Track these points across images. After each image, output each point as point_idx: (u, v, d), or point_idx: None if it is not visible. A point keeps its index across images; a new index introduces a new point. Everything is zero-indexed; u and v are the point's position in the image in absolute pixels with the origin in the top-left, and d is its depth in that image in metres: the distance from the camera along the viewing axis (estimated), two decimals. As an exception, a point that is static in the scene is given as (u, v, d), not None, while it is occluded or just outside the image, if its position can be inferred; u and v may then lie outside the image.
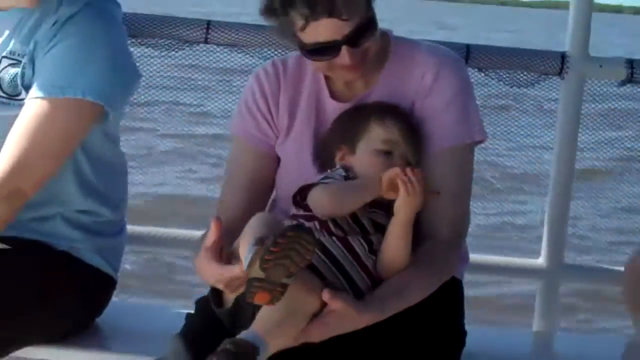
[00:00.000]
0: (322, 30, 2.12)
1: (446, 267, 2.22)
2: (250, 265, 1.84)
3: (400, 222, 2.06)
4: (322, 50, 2.16)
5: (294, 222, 2.10)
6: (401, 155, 2.16)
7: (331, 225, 2.08)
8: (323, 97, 2.33)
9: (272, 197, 2.41)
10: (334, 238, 2.07)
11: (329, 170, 2.20)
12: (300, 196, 2.14)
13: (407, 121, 2.22)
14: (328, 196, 2.09)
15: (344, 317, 1.95)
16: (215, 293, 2.08)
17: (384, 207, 2.10)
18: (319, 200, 2.09)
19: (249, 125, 2.36)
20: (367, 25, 2.17)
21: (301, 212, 2.13)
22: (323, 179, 2.17)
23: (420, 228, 2.16)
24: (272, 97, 2.35)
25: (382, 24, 2.26)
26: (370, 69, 2.27)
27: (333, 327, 1.95)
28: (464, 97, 2.28)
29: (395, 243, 2.06)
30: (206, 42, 3.05)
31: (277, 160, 2.36)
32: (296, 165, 2.32)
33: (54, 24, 2.25)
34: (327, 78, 2.33)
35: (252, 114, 2.37)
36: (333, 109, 2.31)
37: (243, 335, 1.87)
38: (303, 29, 2.13)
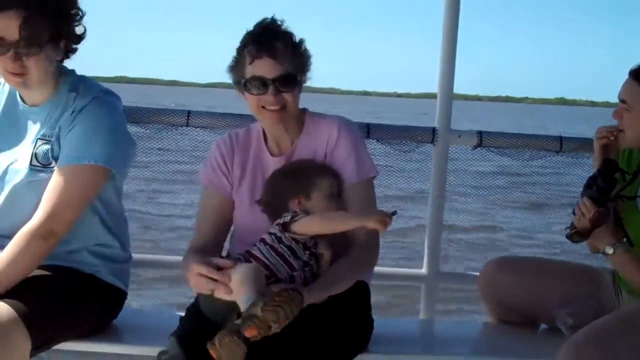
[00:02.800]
0: (262, 66, 2.16)
1: (364, 264, 2.23)
2: (254, 304, 1.83)
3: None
4: (257, 85, 2.18)
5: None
6: (338, 195, 2.20)
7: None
8: (264, 154, 2.34)
9: (232, 230, 2.38)
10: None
11: (286, 213, 2.15)
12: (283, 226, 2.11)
13: (325, 165, 2.25)
14: (319, 220, 2.10)
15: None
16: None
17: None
18: (310, 223, 2.09)
19: (213, 178, 2.35)
20: (292, 78, 2.19)
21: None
22: (293, 216, 2.13)
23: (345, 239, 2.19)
24: (228, 159, 2.35)
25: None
26: (290, 126, 2.28)
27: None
28: (359, 147, 2.29)
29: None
30: (187, 125, 3.02)
31: (232, 202, 2.34)
32: (247, 205, 2.31)
33: (72, 113, 2.26)
34: (265, 141, 2.34)
35: (215, 171, 2.35)
36: (270, 161, 2.32)
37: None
38: (251, 63, 2.16)
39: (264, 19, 2.25)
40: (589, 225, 2.24)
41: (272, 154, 2.34)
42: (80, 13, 2.27)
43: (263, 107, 2.22)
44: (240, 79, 2.22)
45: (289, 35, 2.22)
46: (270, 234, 2.12)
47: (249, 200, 2.31)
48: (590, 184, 2.29)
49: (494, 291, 2.66)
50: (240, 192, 2.34)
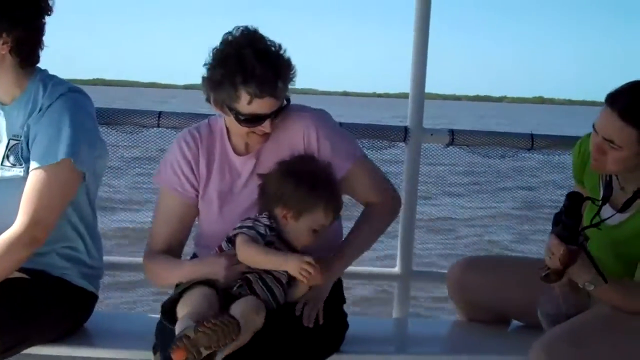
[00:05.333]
0: (263, 105, 2.07)
1: (382, 223, 2.29)
2: (186, 328, 1.78)
3: (299, 293, 2.10)
4: (254, 120, 2.10)
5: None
6: (323, 231, 2.11)
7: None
8: (229, 154, 2.26)
9: (198, 233, 2.32)
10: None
11: (256, 215, 2.12)
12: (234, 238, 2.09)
13: (339, 201, 2.14)
14: (245, 250, 2.04)
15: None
16: (169, 309, 2.03)
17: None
18: (239, 248, 2.05)
19: (174, 182, 2.27)
20: (284, 105, 2.15)
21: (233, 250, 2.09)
22: (250, 224, 2.08)
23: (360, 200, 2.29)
24: (194, 163, 2.26)
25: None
26: None
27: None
28: (339, 134, 2.28)
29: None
30: (158, 126, 2.99)
31: (196, 206, 2.27)
32: (217, 209, 2.24)
33: (39, 111, 2.24)
34: (229, 139, 2.26)
35: (176, 174, 2.26)
36: (237, 161, 2.24)
37: None
38: (249, 102, 2.06)
39: (248, 36, 2.09)
40: (560, 266, 2.11)
41: (237, 153, 2.26)
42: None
43: (253, 132, 2.16)
44: (227, 105, 2.11)
45: (283, 60, 2.09)
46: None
47: (218, 204, 2.24)
48: (557, 221, 2.12)
49: (462, 292, 2.67)
50: (208, 197, 2.26)
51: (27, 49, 2.26)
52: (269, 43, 2.10)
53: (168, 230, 2.27)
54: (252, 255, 2.04)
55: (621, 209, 2.25)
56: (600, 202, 2.28)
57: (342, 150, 2.24)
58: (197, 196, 2.27)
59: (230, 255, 2.07)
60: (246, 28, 2.11)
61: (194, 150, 2.27)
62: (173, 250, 2.24)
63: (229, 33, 2.11)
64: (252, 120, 2.10)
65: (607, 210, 2.29)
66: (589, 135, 2.30)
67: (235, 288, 2.04)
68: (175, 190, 2.27)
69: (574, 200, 2.11)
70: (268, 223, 2.09)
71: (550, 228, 2.14)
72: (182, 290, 2.02)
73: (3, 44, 2.22)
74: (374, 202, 2.29)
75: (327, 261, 2.12)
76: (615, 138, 2.14)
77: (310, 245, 2.11)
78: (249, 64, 2.03)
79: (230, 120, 2.17)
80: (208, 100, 2.15)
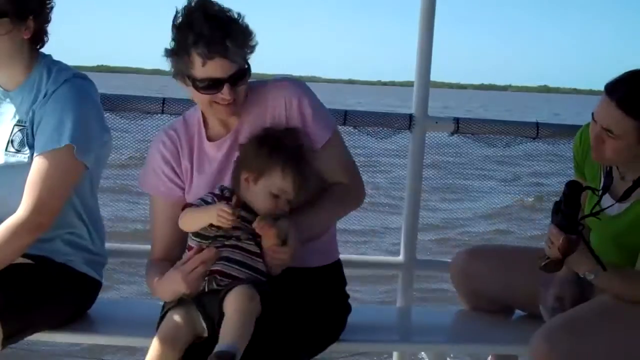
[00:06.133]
0: (215, 67, 2.04)
1: (348, 199, 2.24)
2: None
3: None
4: (211, 85, 2.06)
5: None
6: (287, 199, 2.05)
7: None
8: (203, 143, 2.22)
9: None
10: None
11: (209, 192, 2.09)
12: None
13: (300, 169, 2.06)
14: (181, 218, 2.04)
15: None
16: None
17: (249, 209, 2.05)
18: (179, 220, 2.05)
19: (158, 185, 2.24)
20: (244, 72, 2.09)
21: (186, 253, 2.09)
22: (200, 197, 2.08)
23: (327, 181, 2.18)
24: (174, 162, 2.23)
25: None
26: (239, 107, 2.15)
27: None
28: (319, 104, 2.23)
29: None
30: (162, 112, 2.99)
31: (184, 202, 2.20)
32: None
33: (44, 97, 2.23)
34: (205, 126, 2.22)
35: (159, 177, 2.24)
36: (210, 148, 2.21)
37: (219, 347, 1.83)
38: (203, 65, 2.03)
39: (200, 1, 2.06)
40: (559, 255, 2.11)
41: (212, 139, 2.20)
42: None
43: (215, 102, 2.11)
44: (185, 74, 2.09)
45: (236, 24, 2.07)
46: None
47: (199, 195, 2.17)
48: (557, 210, 2.12)
49: (466, 281, 2.67)
50: (193, 192, 2.22)
51: (42, 34, 2.28)
52: (221, 8, 2.08)
53: (163, 234, 2.25)
54: (184, 221, 2.04)
55: (620, 199, 2.24)
56: (601, 192, 2.27)
57: (322, 120, 2.20)
58: (181, 194, 2.25)
59: (181, 266, 2.03)
60: None
61: (172, 149, 2.24)
62: (172, 253, 2.22)
63: (186, 3, 2.09)
64: (209, 86, 2.06)
65: (607, 200, 2.28)
66: (588, 124, 2.29)
67: (205, 286, 2.02)
68: (161, 192, 2.25)
69: (573, 189, 2.10)
70: (218, 192, 2.06)
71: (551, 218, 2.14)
72: (163, 313, 2.04)
73: (26, 28, 2.22)
74: (343, 183, 2.21)
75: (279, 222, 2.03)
76: (613, 127, 2.14)
77: (271, 210, 2.04)
78: (197, 26, 2.03)
79: (194, 93, 2.13)
80: (174, 75, 2.14)
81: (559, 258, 2.11)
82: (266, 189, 2.04)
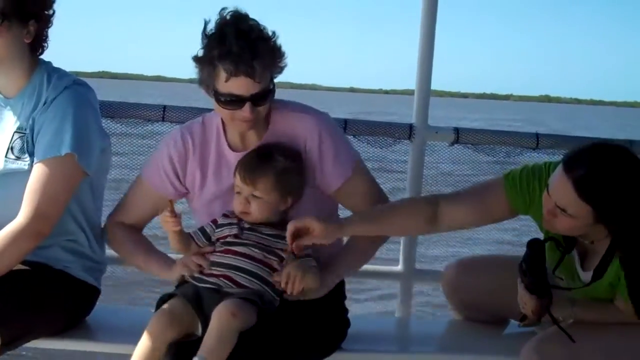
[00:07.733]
0: (239, 85, 2.04)
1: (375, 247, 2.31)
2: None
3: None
4: (232, 101, 2.07)
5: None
6: (247, 194, 2.11)
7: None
8: (225, 151, 2.23)
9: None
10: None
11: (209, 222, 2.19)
12: None
13: (252, 167, 2.12)
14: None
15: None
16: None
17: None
18: None
19: (154, 176, 2.30)
20: (268, 93, 2.10)
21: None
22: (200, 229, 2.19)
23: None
24: (179, 164, 2.26)
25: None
26: (258, 125, 2.17)
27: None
28: (342, 139, 2.27)
29: None
30: (163, 120, 3.00)
31: (170, 197, 2.23)
32: (215, 208, 2.22)
33: (44, 104, 2.24)
34: (225, 135, 2.24)
35: (158, 170, 2.28)
36: (233, 158, 2.21)
37: (195, 357, 1.87)
38: (226, 80, 2.03)
39: (234, 15, 2.07)
40: (534, 317, 2.10)
41: (233, 149, 2.23)
42: None
43: (235, 118, 2.12)
44: (209, 84, 2.10)
45: (266, 44, 2.06)
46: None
47: (219, 203, 2.22)
48: (523, 272, 2.06)
49: (458, 293, 2.67)
50: (205, 197, 2.24)
51: (42, 40, 2.29)
52: (254, 25, 2.07)
53: (136, 213, 2.37)
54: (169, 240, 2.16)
55: (595, 277, 2.10)
56: (563, 249, 2.13)
57: (343, 158, 2.22)
58: (174, 193, 2.28)
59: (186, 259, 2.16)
60: (236, 10, 2.08)
61: (181, 151, 2.26)
62: (136, 225, 2.38)
63: (220, 14, 2.09)
64: (230, 102, 2.07)
65: (574, 260, 2.19)
66: (549, 164, 2.15)
67: (207, 283, 2.08)
68: (153, 183, 2.31)
69: (534, 250, 2.04)
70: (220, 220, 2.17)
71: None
72: (163, 299, 2.10)
73: (27, 33, 2.23)
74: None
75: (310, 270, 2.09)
76: (568, 208, 1.97)
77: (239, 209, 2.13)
78: (227, 41, 2.02)
79: (215, 105, 2.14)
80: (199, 83, 2.14)
81: (534, 317, 2.13)
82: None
